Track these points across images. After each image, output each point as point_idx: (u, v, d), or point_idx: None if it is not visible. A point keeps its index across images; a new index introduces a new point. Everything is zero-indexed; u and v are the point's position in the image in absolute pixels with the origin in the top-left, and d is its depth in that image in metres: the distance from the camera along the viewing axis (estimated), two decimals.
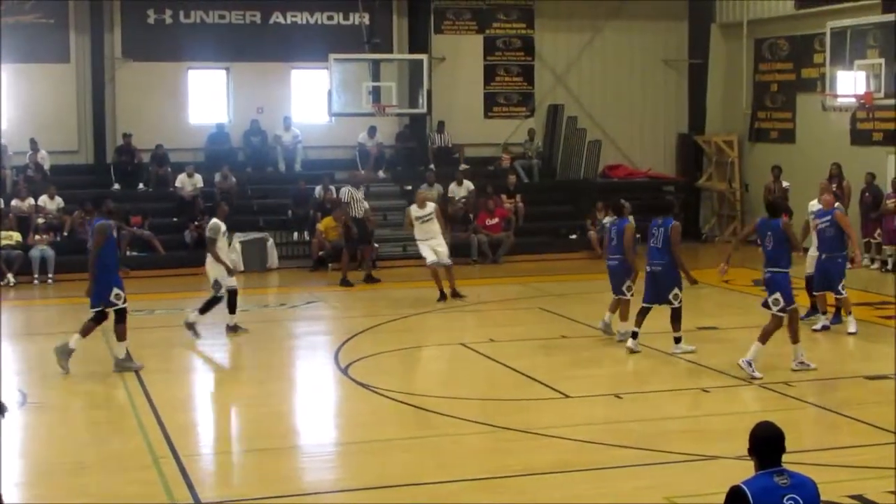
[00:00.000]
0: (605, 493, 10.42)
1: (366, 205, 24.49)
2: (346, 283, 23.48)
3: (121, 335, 15.40)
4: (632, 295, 17.21)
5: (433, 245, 21.46)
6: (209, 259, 17.98)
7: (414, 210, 21.89)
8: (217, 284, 17.80)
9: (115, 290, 15.26)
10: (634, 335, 16.45)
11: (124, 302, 15.39)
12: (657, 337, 17.43)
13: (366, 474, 11.31)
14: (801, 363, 15.05)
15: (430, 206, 21.74)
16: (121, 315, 15.38)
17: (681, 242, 16.51)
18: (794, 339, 15.13)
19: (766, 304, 15.28)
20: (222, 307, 18.00)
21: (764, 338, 14.82)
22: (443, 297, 21.35)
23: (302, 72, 29.33)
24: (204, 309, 17.70)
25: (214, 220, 18.18)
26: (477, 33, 30.76)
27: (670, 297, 16.35)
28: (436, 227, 21.56)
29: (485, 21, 30.74)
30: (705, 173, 31.54)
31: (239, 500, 10.51)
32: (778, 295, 15.07)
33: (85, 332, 15.39)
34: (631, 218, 17.60)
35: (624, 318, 17.26)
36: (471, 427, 12.79)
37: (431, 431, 12.83)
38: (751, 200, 30.26)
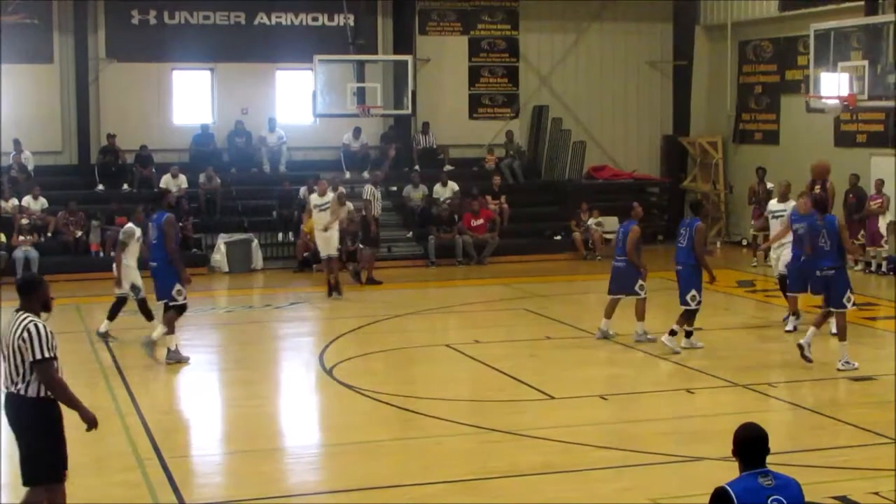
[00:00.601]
0: (589, 494, 10.43)
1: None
2: (372, 281, 23.73)
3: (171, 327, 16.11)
4: (645, 294, 17.40)
5: (326, 236, 21.79)
6: (124, 263, 17.53)
7: (314, 198, 22.40)
8: (135, 289, 17.56)
9: (177, 287, 16.07)
10: (689, 334, 16.85)
11: (185, 298, 16.21)
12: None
13: (350, 476, 11.30)
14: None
15: (329, 196, 22.11)
16: (179, 310, 16.19)
17: (706, 243, 16.54)
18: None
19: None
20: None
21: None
22: (331, 291, 21.76)
23: (286, 72, 29.30)
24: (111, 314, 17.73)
25: (130, 225, 17.84)
26: (462, 34, 30.76)
27: (687, 297, 16.62)
28: (328, 217, 21.88)
29: (469, 22, 30.74)
30: (690, 175, 31.60)
31: (224, 501, 10.50)
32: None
33: (168, 323, 16.14)
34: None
35: (640, 317, 17.45)
36: (455, 428, 12.80)
37: (416, 433, 12.84)
38: (735, 201, 30.33)
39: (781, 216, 18.46)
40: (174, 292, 16.03)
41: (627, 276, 17.40)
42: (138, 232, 17.47)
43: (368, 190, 24.34)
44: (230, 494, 10.76)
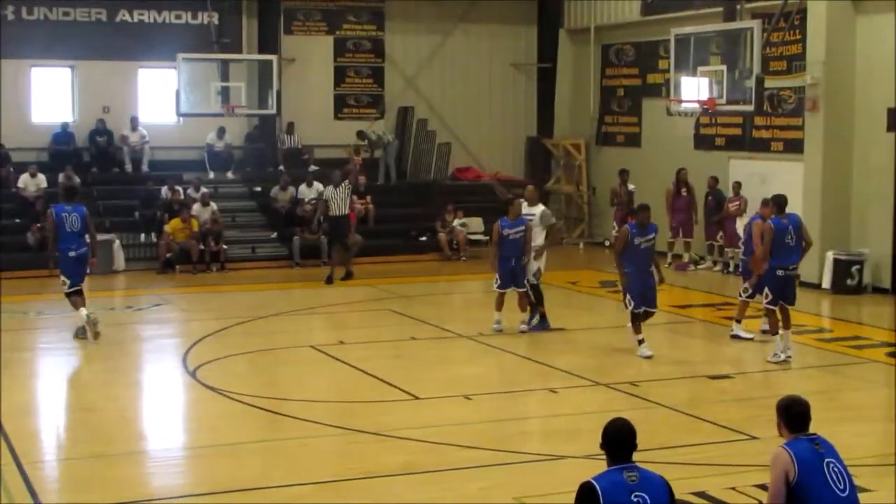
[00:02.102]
0: (454, 494, 10.49)
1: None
2: (348, 275, 24.26)
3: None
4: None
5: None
6: None
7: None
8: None
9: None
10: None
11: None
12: (505, 338, 17.65)
13: (214, 478, 11.20)
14: None
15: None
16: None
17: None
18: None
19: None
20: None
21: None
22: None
23: (149, 71, 28.88)
24: None
25: None
26: (327, 34, 30.66)
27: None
28: None
29: (335, 22, 30.65)
30: (553, 176, 31.92)
31: None
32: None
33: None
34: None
35: (523, 308, 18.20)
36: (320, 430, 12.76)
37: (281, 434, 12.77)
38: (598, 203, 30.74)
39: (531, 220, 18.41)
40: None
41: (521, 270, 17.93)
42: None
43: (328, 191, 24.63)
44: (91, 499, 10.56)
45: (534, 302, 18.36)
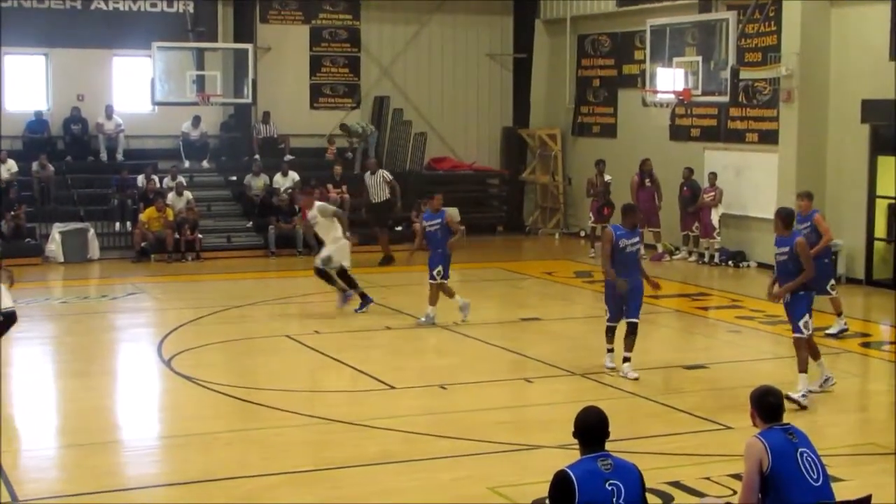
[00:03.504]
0: (428, 483, 10.50)
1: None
2: (388, 261, 24.80)
3: None
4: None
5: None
6: None
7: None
8: None
9: None
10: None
11: None
12: (480, 327, 17.69)
13: (189, 468, 11.17)
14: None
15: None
16: None
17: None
18: None
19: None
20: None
21: None
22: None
23: (124, 59, 28.74)
24: None
25: None
26: (303, 24, 30.58)
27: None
28: None
29: (311, 11, 30.56)
30: (529, 167, 31.94)
31: (59, 496, 10.29)
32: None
33: None
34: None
35: (433, 301, 18.31)
36: (295, 419, 12.75)
37: (256, 424, 12.75)
38: (573, 193, 30.78)
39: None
40: None
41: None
42: None
43: (367, 178, 25.34)
44: (65, 489, 10.54)
45: (356, 293, 19.00)
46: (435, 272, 18.12)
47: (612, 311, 14.82)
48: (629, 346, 14.59)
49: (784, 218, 13.70)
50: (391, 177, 25.38)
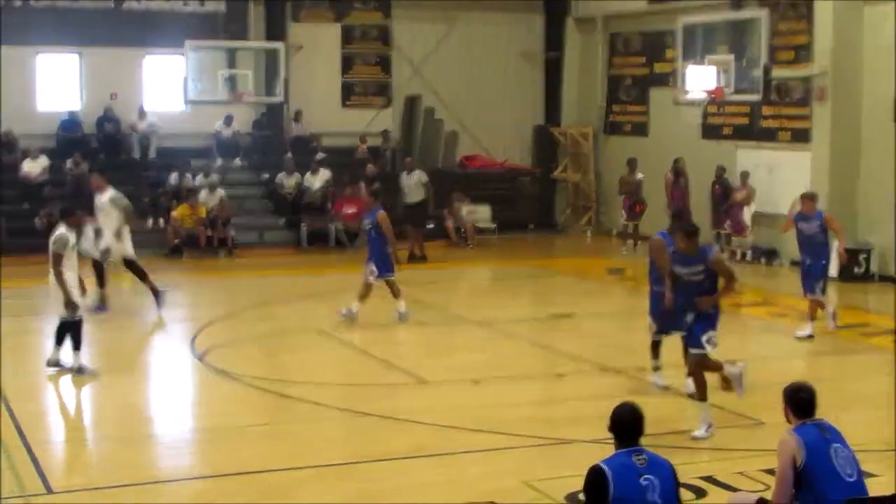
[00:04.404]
0: (461, 477, 10.51)
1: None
2: (418, 258, 24.57)
3: None
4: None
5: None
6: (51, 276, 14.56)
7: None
8: (72, 306, 14.44)
9: None
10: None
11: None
12: (512, 324, 17.69)
13: (222, 461, 11.23)
14: None
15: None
16: None
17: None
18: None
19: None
20: None
21: None
22: None
23: (157, 58, 28.86)
24: (59, 339, 14.65)
25: (61, 231, 14.72)
26: (335, 22, 30.61)
27: None
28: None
29: (342, 10, 30.60)
30: (561, 165, 31.91)
31: (92, 488, 10.34)
32: None
33: None
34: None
35: (396, 295, 18.19)
36: (328, 413, 12.80)
37: (288, 417, 12.80)
38: (605, 192, 30.72)
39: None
40: None
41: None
42: (72, 239, 14.66)
43: (403, 177, 25.41)
44: (98, 481, 10.62)
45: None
46: (369, 271, 18.03)
47: (659, 319, 13.48)
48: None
49: (689, 234, 12.25)
50: (427, 178, 25.34)
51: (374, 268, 17.94)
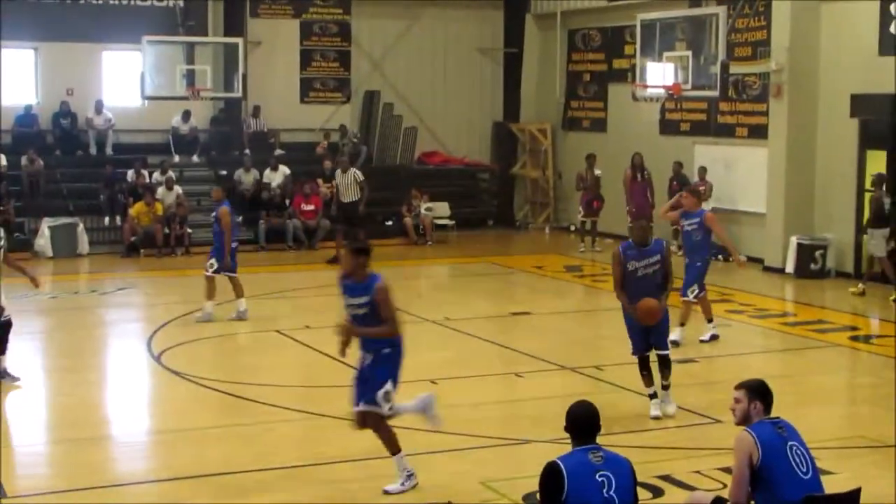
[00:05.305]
0: (421, 478, 10.47)
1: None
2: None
3: None
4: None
5: None
6: None
7: None
8: None
9: None
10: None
11: None
12: (471, 322, 17.69)
13: (180, 463, 11.17)
14: None
15: None
16: None
17: None
18: None
19: None
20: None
21: None
22: None
23: (114, 53, 28.69)
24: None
25: None
26: (293, 18, 30.53)
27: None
28: None
29: (301, 6, 30.52)
30: (519, 161, 31.95)
31: (48, 492, 10.27)
32: None
33: None
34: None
35: (238, 294, 18.27)
36: (287, 414, 12.76)
37: (247, 419, 12.73)
38: (564, 188, 30.78)
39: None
40: None
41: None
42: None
43: (338, 175, 24.59)
44: (55, 485, 10.53)
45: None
46: (208, 265, 18.08)
47: (635, 341, 12.67)
48: (665, 376, 12.67)
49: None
50: (362, 177, 24.76)
51: (213, 262, 18.04)
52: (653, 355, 12.63)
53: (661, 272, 12.28)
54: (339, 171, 24.58)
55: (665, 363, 12.59)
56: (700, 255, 16.18)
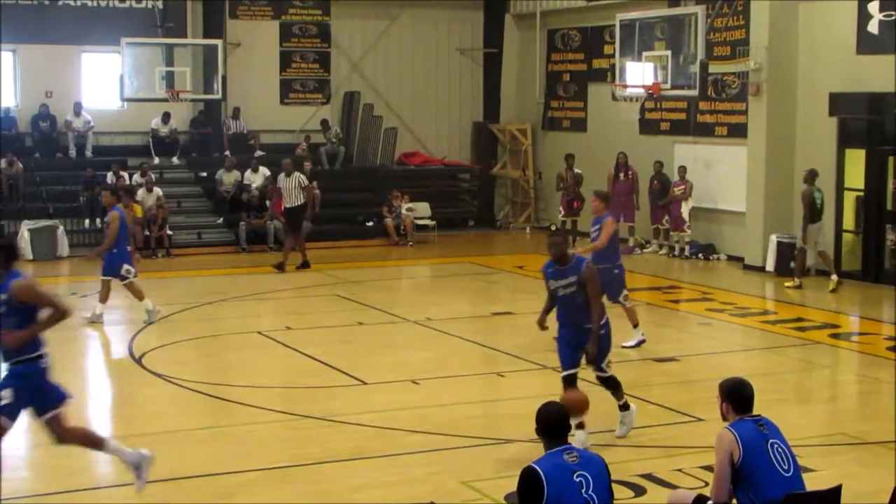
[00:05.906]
0: (402, 478, 10.50)
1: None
2: (304, 265, 23.48)
3: None
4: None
5: None
6: None
7: None
8: None
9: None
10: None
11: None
12: (452, 322, 17.70)
13: (162, 465, 11.08)
14: None
15: None
16: None
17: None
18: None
19: None
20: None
21: None
22: None
23: (93, 55, 28.62)
24: None
25: None
26: (273, 19, 30.52)
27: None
28: None
29: (280, 7, 30.51)
30: (500, 161, 31.99)
31: (29, 496, 10.27)
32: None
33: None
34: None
35: (139, 297, 18.26)
36: (268, 416, 12.75)
37: (229, 421, 12.72)
38: (544, 188, 30.82)
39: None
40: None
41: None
42: None
43: (280, 179, 24.11)
44: (37, 488, 10.52)
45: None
46: (124, 270, 18.05)
47: (564, 357, 11.71)
48: (617, 396, 11.93)
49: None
50: (307, 181, 24.27)
51: (128, 268, 18.12)
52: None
53: (580, 294, 11.20)
54: (282, 175, 24.01)
55: (607, 383, 11.81)
56: (611, 260, 15.50)
